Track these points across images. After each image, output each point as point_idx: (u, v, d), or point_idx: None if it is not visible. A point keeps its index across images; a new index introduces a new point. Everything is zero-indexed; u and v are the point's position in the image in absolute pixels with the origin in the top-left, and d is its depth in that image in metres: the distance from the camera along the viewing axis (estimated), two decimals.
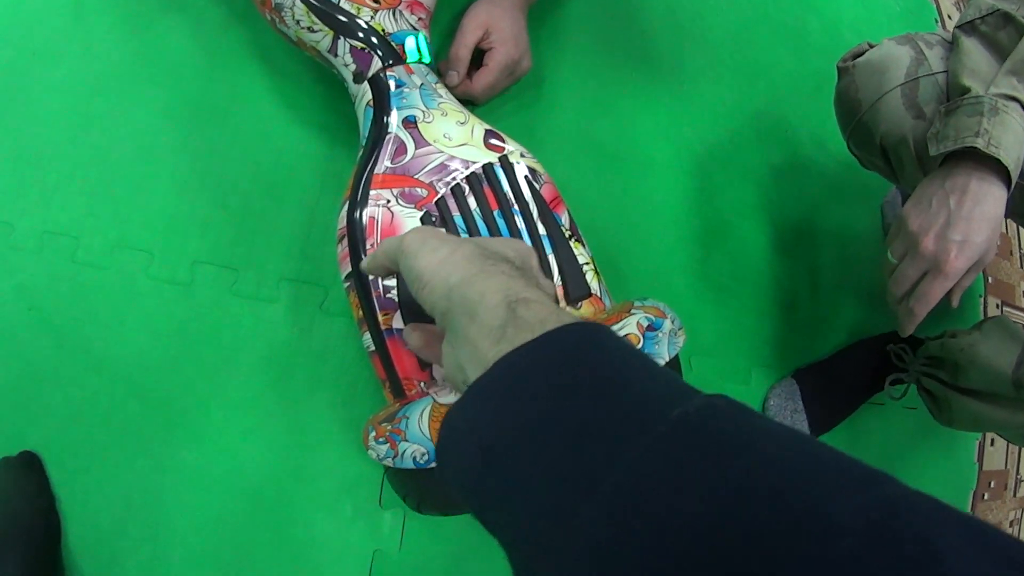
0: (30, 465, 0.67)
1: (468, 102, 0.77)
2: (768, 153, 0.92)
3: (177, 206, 0.73)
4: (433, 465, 0.50)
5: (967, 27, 0.67)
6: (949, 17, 1.24)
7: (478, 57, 0.76)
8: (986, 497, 1.06)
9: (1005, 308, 1.12)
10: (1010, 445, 1.10)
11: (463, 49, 0.74)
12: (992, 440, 1.07)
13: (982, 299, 1.08)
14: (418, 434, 0.50)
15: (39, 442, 0.67)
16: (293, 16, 0.65)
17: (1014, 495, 1.12)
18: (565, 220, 0.64)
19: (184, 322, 0.70)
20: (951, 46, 0.69)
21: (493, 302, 0.34)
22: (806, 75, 0.98)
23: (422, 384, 0.57)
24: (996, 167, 0.58)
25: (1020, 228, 1.17)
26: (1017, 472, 1.13)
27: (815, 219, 0.93)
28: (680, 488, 0.22)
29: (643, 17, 0.91)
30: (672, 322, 0.57)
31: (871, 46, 0.76)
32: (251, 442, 0.69)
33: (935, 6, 1.21)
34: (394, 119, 0.62)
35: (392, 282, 0.58)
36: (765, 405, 0.84)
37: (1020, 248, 1.18)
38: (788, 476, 0.22)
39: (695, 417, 0.25)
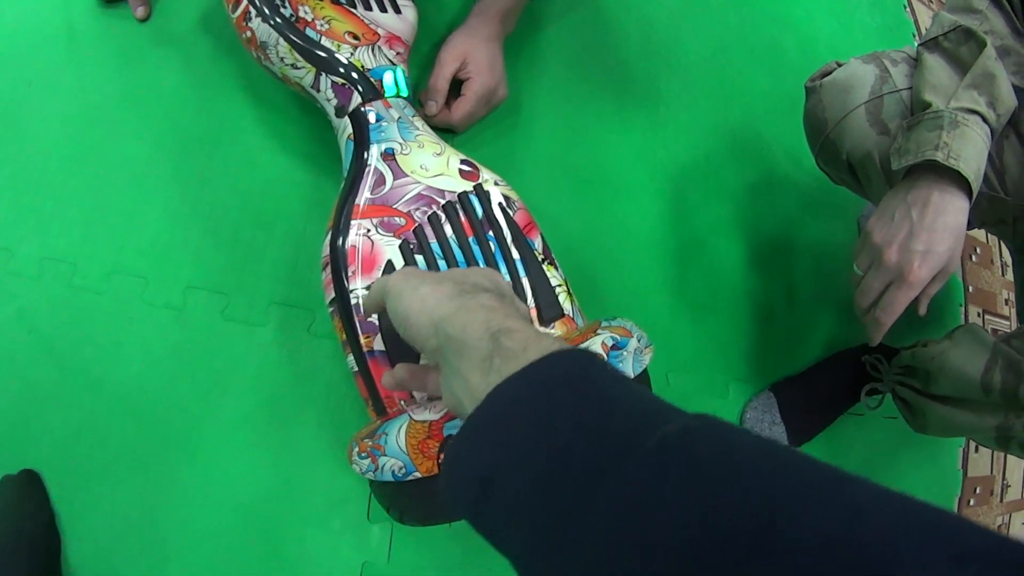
0: (31, 483, 0.69)
1: (448, 131, 0.80)
2: (744, 172, 0.95)
3: (170, 233, 0.76)
4: (412, 478, 0.53)
5: (930, 43, 0.69)
6: (927, 31, 1.26)
7: (456, 87, 0.79)
8: (972, 503, 1.07)
9: (986, 316, 1.13)
10: (995, 451, 1.11)
11: (441, 80, 0.77)
12: (976, 447, 1.09)
13: (962, 308, 1.09)
14: (396, 449, 0.53)
15: (39, 460, 0.69)
16: (277, 53, 0.68)
17: (1000, 500, 1.13)
18: (538, 244, 0.66)
19: (178, 345, 0.73)
20: (916, 62, 0.71)
21: (477, 335, 0.36)
22: (781, 94, 1.00)
23: (402, 402, 0.59)
24: (957, 179, 0.60)
25: (998, 238, 1.18)
26: (1003, 477, 1.14)
27: (791, 235, 0.95)
28: (657, 511, 0.24)
29: (619, 44, 0.94)
30: (638, 340, 0.60)
31: (839, 65, 0.78)
32: (243, 460, 0.71)
33: (912, 21, 1.23)
34: (374, 152, 0.65)
35: None
36: (743, 419, 0.86)
37: (1000, 257, 1.19)
38: (756, 492, 0.23)
39: (673, 439, 0.27)
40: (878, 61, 0.74)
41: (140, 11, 0.84)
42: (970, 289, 1.11)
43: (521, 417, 0.32)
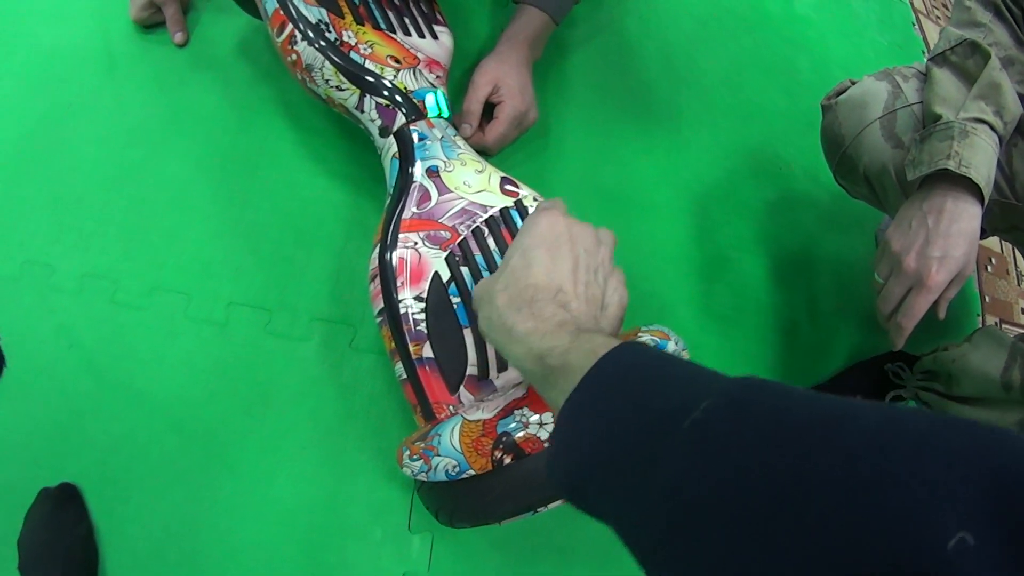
0: (69, 496, 0.69)
1: (482, 152, 0.82)
2: (763, 189, 0.97)
3: (211, 251, 0.78)
4: (465, 475, 0.54)
5: (938, 58, 0.71)
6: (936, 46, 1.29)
7: (489, 110, 0.82)
8: None
9: (1004, 326, 1.15)
10: None
11: (475, 103, 0.80)
12: None
13: (980, 318, 1.11)
14: (450, 448, 0.55)
15: (78, 473, 0.70)
16: (323, 76, 0.71)
17: None
18: None
19: (221, 360, 0.74)
20: (926, 77, 0.74)
21: (530, 362, 0.43)
22: (798, 113, 1.03)
23: (450, 407, 0.61)
24: (969, 186, 0.62)
25: (1014, 248, 1.21)
26: None
27: (811, 249, 0.97)
28: (721, 458, 0.28)
29: (641, 67, 0.97)
30: (676, 343, 0.62)
31: (852, 83, 0.81)
32: (285, 473, 0.72)
33: (921, 38, 1.27)
34: (418, 169, 0.68)
35: (422, 315, 0.62)
36: None
37: (1016, 267, 1.21)
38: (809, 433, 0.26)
39: (737, 394, 0.30)
40: (890, 78, 0.77)
41: (178, 36, 0.87)
42: (987, 299, 1.13)
43: (601, 405, 0.36)
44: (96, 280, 0.76)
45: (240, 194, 0.80)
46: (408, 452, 0.59)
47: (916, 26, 1.27)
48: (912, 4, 1.29)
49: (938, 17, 1.34)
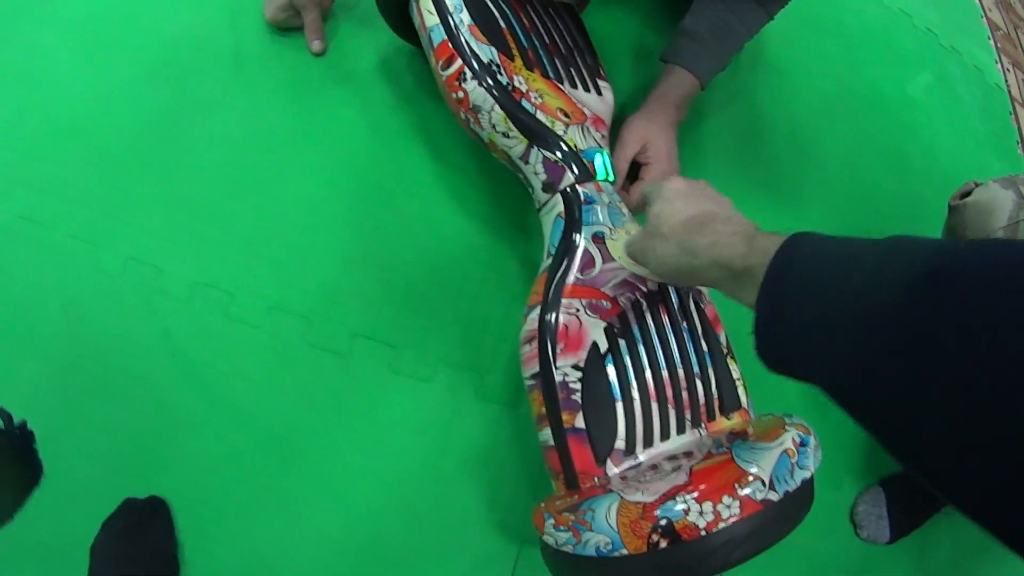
0: (157, 510, 0.68)
1: None
2: None
3: (339, 278, 0.76)
4: (617, 555, 0.54)
5: None
6: None
7: (634, 169, 0.81)
8: None
9: None
10: None
11: (622, 162, 0.78)
12: None
13: None
14: (604, 526, 0.54)
15: (169, 488, 0.68)
16: (490, 120, 0.69)
17: None
18: (723, 339, 0.68)
19: (339, 392, 0.73)
20: None
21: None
22: (907, 197, 1.04)
23: (596, 479, 0.60)
24: None
25: None
26: None
27: None
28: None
29: (768, 138, 0.98)
30: (814, 438, 0.62)
31: (976, 185, 0.82)
32: (394, 515, 0.71)
33: (1017, 128, 1.30)
34: (584, 233, 0.67)
35: (578, 385, 0.62)
36: (854, 510, 0.89)
37: None
38: None
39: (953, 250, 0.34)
40: (1015, 187, 0.79)
41: (316, 44, 0.85)
42: None
43: (785, 296, 0.42)
44: (210, 290, 0.74)
45: (374, 221, 0.78)
46: (553, 521, 0.58)
47: (1013, 116, 1.30)
48: (1009, 92, 1.32)
49: None
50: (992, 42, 1.41)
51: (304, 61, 0.84)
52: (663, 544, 0.53)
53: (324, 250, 0.76)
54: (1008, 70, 1.33)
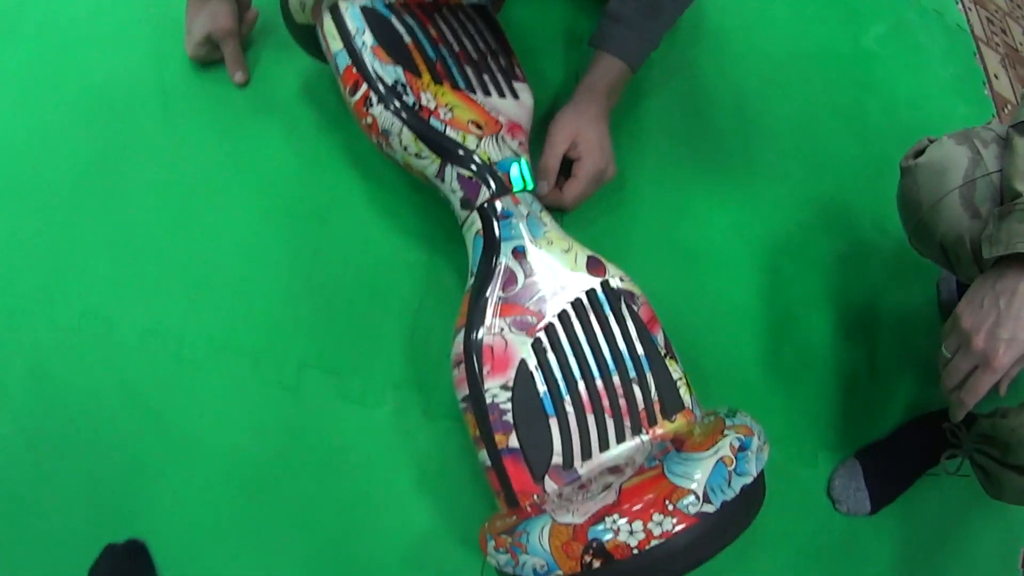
0: (136, 552, 0.70)
1: (558, 209, 0.80)
2: (833, 241, 0.96)
3: (281, 309, 0.76)
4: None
5: (1020, 126, 0.69)
6: (996, 76, 1.26)
7: (566, 165, 0.79)
8: None
9: None
10: None
11: (552, 160, 0.77)
12: None
13: None
14: (538, 548, 0.55)
15: (145, 530, 0.70)
16: (400, 142, 0.69)
17: None
18: (660, 339, 0.67)
19: (292, 424, 0.74)
20: (1005, 143, 0.72)
21: None
22: (867, 159, 1.01)
23: (535, 496, 0.60)
24: None
25: None
26: None
27: (874, 301, 0.96)
28: None
29: (715, 111, 0.95)
30: (758, 438, 0.61)
31: (931, 141, 0.79)
32: (358, 539, 0.72)
33: (982, 68, 1.24)
34: (503, 250, 0.66)
35: (508, 405, 0.62)
36: (830, 485, 0.88)
37: None
38: None
39: None
40: (970, 142, 0.75)
41: (239, 76, 0.84)
42: None
43: None
44: (160, 337, 0.75)
45: (309, 249, 0.78)
46: (493, 543, 0.59)
47: (977, 56, 1.24)
48: (973, 32, 1.25)
49: (997, 45, 1.30)
50: None
51: (229, 94, 0.84)
52: (596, 564, 0.53)
53: (265, 283, 0.77)
54: (969, 8, 1.27)
